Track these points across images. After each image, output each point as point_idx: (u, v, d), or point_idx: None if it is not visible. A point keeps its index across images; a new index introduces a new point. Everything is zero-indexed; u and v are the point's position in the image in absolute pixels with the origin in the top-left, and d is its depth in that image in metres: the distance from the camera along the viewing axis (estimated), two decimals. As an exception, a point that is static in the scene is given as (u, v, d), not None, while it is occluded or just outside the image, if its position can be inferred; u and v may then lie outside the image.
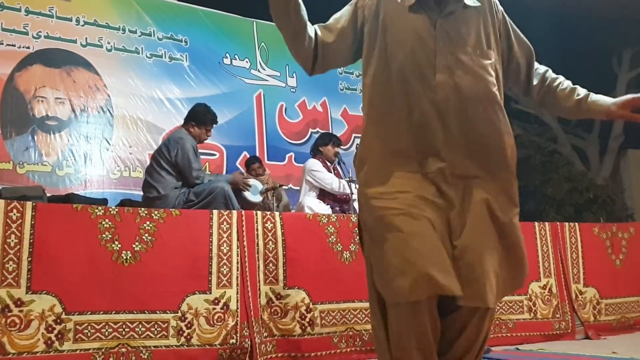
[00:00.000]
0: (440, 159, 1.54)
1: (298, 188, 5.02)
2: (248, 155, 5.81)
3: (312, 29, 1.66)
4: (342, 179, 4.61)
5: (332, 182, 4.50)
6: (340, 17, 1.70)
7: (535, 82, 1.78)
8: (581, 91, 1.77)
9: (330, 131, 6.39)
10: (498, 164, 1.59)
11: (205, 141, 4.20)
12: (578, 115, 1.82)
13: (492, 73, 1.61)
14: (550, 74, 1.81)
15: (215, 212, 2.71)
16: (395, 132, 1.59)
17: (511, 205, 1.60)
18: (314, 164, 4.62)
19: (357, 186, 1.72)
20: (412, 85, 1.57)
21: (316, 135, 5.72)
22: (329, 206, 4.45)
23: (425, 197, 1.52)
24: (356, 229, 1.76)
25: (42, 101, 5.17)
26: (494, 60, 1.63)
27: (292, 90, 6.65)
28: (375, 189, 1.57)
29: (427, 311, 1.50)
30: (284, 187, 5.17)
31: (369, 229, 1.60)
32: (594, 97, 1.75)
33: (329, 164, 4.67)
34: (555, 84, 1.78)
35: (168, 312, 2.46)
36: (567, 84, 1.79)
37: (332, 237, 2.92)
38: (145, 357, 2.36)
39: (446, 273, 1.45)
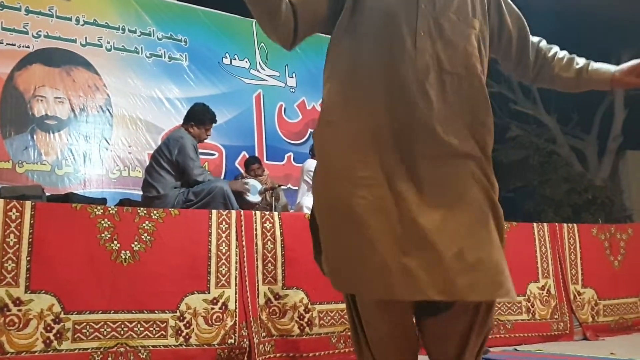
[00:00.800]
0: (419, 134, 1.38)
1: (297, 188, 5.03)
2: (247, 155, 5.82)
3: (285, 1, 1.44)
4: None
5: (329, 183, 4.49)
6: None
7: (530, 57, 1.61)
8: (580, 60, 1.60)
9: (330, 132, 6.39)
10: (480, 142, 1.43)
11: (204, 141, 4.20)
12: (578, 87, 1.62)
13: (475, 44, 1.46)
14: (545, 44, 1.63)
15: (214, 212, 2.71)
16: (369, 103, 1.40)
17: (494, 186, 1.44)
18: (312, 164, 4.62)
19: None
20: (390, 49, 1.40)
21: (315, 136, 5.72)
22: (327, 206, 4.45)
23: (396, 183, 1.35)
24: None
25: (41, 100, 5.17)
26: (478, 30, 1.47)
27: (291, 90, 6.66)
28: (336, 171, 1.40)
29: (386, 311, 1.39)
30: (282, 187, 5.17)
31: (324, 215, 1.43)
32: (595, 65, 1.59)
33: (327, 164, 4.67)
34: (551, 54, 1.61)
35: (167, 311, 2.46)
36: (564, 53, 1.62)
37: (331, 237, 2.92)
38: (144, 356, 2.36)
39: (407, 276, 1.30)
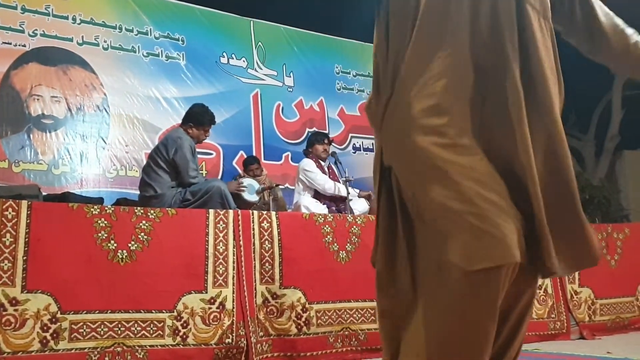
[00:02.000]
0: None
1: (294, 187, 5.03)
2: (245, 155, 5.81)
3: None
4: (338, 179, 4.61)
5: (324, 183, 4.49)
6: None
7: (603, 23, 1.49)
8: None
9: (327, 131, 6.39)
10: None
11: (203, 142, 4.19)
12: (622, 68, 1.55)
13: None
14: (614, 21, 1.53)
15: (211, 211, 2.71)
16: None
17: None
18: (307, 163, 4.62)
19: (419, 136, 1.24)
20: (500, 16, 1.30)
21: (313, 135, 5.72)
22: (325, 206, 4.45)
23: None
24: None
25: (38, 99, 5.15)
26: None
27: (289, 89, 6.65)
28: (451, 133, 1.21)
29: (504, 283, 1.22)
30: (280, 186, 5.17)
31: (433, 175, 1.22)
32: None
33: (322, 163, 4.67)
34: (612, 28, 1.51)
35: (164, 311, 2.46)
36: (631, 31, 1.51)
37: (329, 236, 2.92)
38: (141, 356, 2.35)
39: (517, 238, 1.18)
